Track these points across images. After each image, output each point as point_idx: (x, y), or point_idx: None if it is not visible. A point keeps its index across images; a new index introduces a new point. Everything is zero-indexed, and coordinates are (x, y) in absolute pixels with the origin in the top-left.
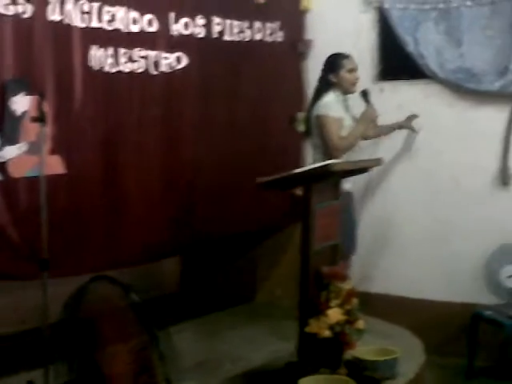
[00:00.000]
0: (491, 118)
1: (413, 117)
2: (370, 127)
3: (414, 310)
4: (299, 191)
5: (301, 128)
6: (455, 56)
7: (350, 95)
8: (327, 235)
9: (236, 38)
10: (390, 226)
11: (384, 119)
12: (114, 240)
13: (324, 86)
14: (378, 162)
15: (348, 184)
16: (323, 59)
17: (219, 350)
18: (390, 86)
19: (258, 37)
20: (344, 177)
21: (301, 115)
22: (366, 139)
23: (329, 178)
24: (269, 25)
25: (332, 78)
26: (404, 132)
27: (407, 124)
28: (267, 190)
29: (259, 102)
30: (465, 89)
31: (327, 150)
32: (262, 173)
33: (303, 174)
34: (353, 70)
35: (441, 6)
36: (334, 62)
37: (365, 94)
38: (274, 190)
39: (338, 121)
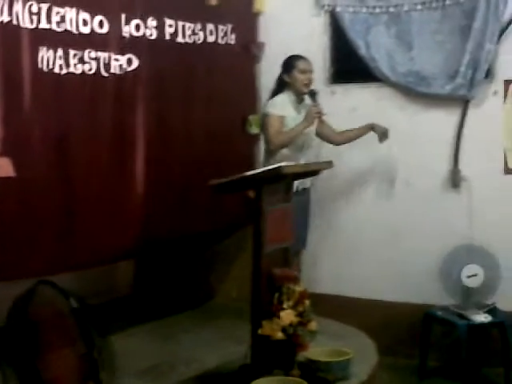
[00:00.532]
0: (442, 120)
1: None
2: (321, 126)
3: (366, 310)
4: (252, 193)
5: (253, 130)
6: (406, 59)
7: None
8: (279, 237)
9: (189, 40)
10: (341, 227)
11: (336, 122)
12: (64, 243)
13: (278, 86)
14: (328, 164)
15: (308, 182)
16: (276, 62)
17: (173, 353)
18: (341, 89)
19: (210, 39)
20: (295, 179)
21: (253, 118)
22: (338, 144)
23: (280, 180)
24: (221, 27)
25: (285, 78)
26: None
27: (379, 129)
28: (219, 192)
29: (212, 104)
30: (415, 92)
31: (268, 147)
32: (215, 175)
33: (254, 176)
34: (305, 71)
35: (391, 9)
36: (288, 63)
37: (312, 94)
38: (227, 193)
39: (280, 118)
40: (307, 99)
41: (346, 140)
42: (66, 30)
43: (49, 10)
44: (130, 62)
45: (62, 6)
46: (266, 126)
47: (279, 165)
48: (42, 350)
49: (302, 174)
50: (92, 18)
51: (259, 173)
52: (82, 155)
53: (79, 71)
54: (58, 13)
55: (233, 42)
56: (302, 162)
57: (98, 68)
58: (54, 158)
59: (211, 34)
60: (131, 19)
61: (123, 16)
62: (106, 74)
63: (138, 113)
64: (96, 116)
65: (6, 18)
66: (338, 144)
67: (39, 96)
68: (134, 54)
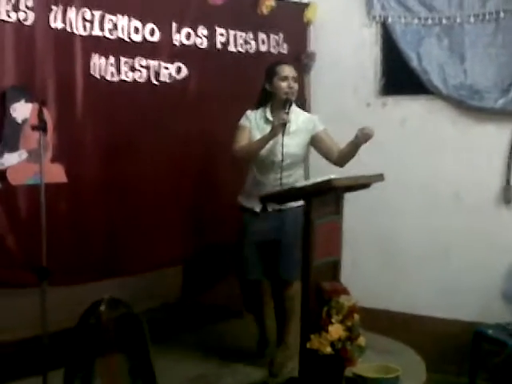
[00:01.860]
0: (494, 135)
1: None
2: (319, 140)
3: (415, 326)
4: None
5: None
6: (458, 72)
7: (297, 109)
8: (328, 251)
9: (241, 49)
10: (391, 242)
11: (386, 134)
12: (113, 249)
13: (261, 97)
14: (380, 177)
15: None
16: (326, 72)
17: (219, 363)
18: (392, 101)
19: (263, 48)
20: (345, 192)
21: None
22: (337, 164)
23: (330, 192)
24: (273, 36)
25: (268, 87)
26: (399, 147)
27: (360, 138)
28: (267, 203)
29: None
30: (467, 105)
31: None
32: None
33: (303, 188)
34: (286, 78)
35: (444, 21)
36: (269, 70)
37: (285, 103)
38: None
39: (243, 129)
40: (298, 112)
41: (342, 157)
42: (117, 37)
43: (102, 18)
44: (179, 70)
45: (114, 13)
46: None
47: (329, 177)
48: (102, 352)
49: (353, 187)
50: (143, 25)
51: (308, 185)
52: (132, 163)
53: (130, 79)
54: (110, 20)
55: (285, 52)
56: (272, 180)
57: (148, 75)
58: (104, 165)
59: (263, 43)
60: (182, 27)
61: (174, 24)
62: (155, 82)
63: (182, 122)
64: (146, 124)
65: (59, 25)
66: (337, 163)
67: (91, 103)
68: (184, 62)
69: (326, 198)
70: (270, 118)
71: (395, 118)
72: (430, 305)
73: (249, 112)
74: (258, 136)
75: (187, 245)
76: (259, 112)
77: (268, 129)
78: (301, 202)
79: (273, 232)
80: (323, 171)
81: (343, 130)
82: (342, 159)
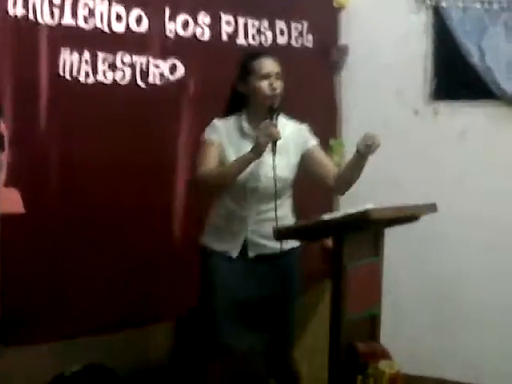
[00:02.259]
0: None
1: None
2: (312, 160)
3: None
4: (330, 243)
5: (335, 159)
6: None
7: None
8: (364, 301)
9: (253, 42)
10: (445, 291)
11: (439, 151)
12: (87, 299)
13: (232, 102)
14: (431, 207)
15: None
16: (361, 71)
17: None
18: (447, 108)
19: (282, 40)
20: (387, 226)
21: (335, 142)
22: (338, 191)
23: (366, 228)
24: (295, 25)
25: (241, 88)
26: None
27: (363, 150)
28: (286, 239)
29: None
30: None
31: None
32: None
33: (332, 221)
34: (267, 76)
35: None
36: (243, 65)
37: (271, 109)
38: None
39: (210, 145)
40: (285, 123)
41: (343, 181)
42: (94, 26)
43: (74, 2)
44: (173, 69)
45: None
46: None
47: (365, 207)
48: None
49: (397, 220)
50: (127, 12)
51: (339, 218)
52: (110, 185)
53: (110, 80)
54: (85, 5)
55: (310, 45)
56: (253, 217)
57: (134, 76)
58: (76, 191)
59: (282, 33)
60: (177, 14)
61: (167, 10)
62: (142, 85)
63: (182, 134)
64: (130, 139)
65: (19, 12)
66: (335, 189)
67: (60, 111)
68: (180, 59)
69: (362, 234)
70: (249, 131)
71: (451, 130)
72: (492, 372)
73: (216, 121)
74: (232, 154)
75: (183, 295)
76: (232, 122)
77: (246, 145)
78: (297, 243)
79: (262, 286)
80: (355, 199)
81: (384, 145)
82: (342, 183)
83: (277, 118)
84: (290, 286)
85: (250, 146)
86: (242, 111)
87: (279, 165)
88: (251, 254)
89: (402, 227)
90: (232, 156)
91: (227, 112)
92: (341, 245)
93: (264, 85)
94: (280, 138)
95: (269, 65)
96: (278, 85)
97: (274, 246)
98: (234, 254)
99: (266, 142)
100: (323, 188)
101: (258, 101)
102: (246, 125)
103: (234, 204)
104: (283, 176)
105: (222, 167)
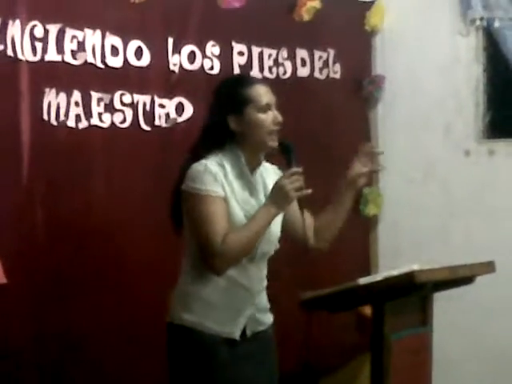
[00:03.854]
0: None
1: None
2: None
3: None
4: (368, 311)
5: (369, 210)
6: None
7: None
8: (411, 380)
9: (269, 75)
10: (508, 375)
11: (497, 199)
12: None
13: (217, 139)
14: (489, 266)
15: (266, 317)
16: (400, 103)
17: None
18: (504, 148)
19: (303, 72)
20: (436, 291)
21: (370, 191)
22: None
23: (412, 292)
24: (319, 54)
25: (233, 125)
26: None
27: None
28: (313, 309)
29: (307, 169)
30: None
31: (201, 255)
32: (311, 281)
33: (371, 286)
34: (268, 107)
35: None
36: (234, 95)
37: (286, 149)
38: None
39: (214, 201)
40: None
41: (324, 228)
42: (85, 62)
43: (60, 34)
44: (180, 108)
45: (79, 27)
46: (194, 219)
47: (410, 268)
48: None
49: (448, 283)
50: (125, 44)
51: (379, 282)
52: (104, 252)
53: (107, 123)
54: (73, 37)
55: (337, 76)
56: (256, 287)
57: (136, 118)
58: (65, 258)
59: (304, 64)
60: (182, 45)
61: (170, 40)
62: (146, 128)
63: None
64: (132, 194)
65: None
66: (313, 241)
67: (43, 164)
68: (187, 96)
69: (407, 300)
70: (251, 178)
71: (509, 174)
72: None
73: (211, 164)
74: (239, 212)
75: None
76: (227, 165)
77: (250, 197)
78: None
79: (260, 370)
80: (397, 258)
81: (429, 191)
82: (323, 231)
83: (294, 159)
84: (275, 365)
85: (253, 198)
86: (235, 151)
87: (275, 221)
88: (249, 332)
89: (453, 291)
90: (239, 214)
91: (211, 152)
92: (382, 313)
93: (267, 118)
94: (310, 192)
95: (268, 93)
96: (281, 119)
97: (268, 320)
98: (237, 335)
99: (296, 197)
100: (298, 242)
101: (255, 139)
102: (246, 170)
103: (238, 273)
104: (279, 234)
105: (246, 230)
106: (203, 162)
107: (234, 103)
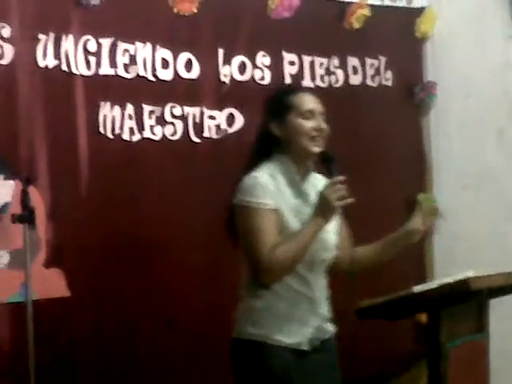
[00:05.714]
0: None
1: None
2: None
3: None
4: (424, 318)
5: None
6: None
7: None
8: None
9: (321, 84)
10: None
11: None
12: None
13: (261, 147)
14: None
15: (329, 326)
16: (452, 111)
17: None
18: None
19: (355, 80)
20: (492, 297)
21: (424, 197)
22: (352, 270)
23: (468, 299)
24: (370, 61)
25: (275, 130)
26: None
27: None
28: (369, 318)
29: (358, 178)
30: None
31: (251, 268)
32: (366, 289)
33: (425, 294)
34: (311, 115)
35: None
36: (277, 102)
37: (327, 159)
38: (383, 318)
39: (272, 213)
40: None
41: (364, 259)
42: (137, 75)
43: (113, 48)
44: (231, 119)
45: (131, 40)
46: (245, 231)
47: (465, 275)
48: None
49: (505, 289)
50: (175, 56)
51: (434, 289)
52: (169, 262)
53: (158, 136)
54: (125, 51)
55: (389, 84)
56: (318, 296)
57: (186, 130)
58: (128, 270)
59: (355, 72)
60: (232, 56)
61: (220, 51)
62: (196, 140)
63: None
64: (185, 203)
65: (51, 62)
66: (347, 266)
67: (102, 176)
68: (238, 107)
69: (463, 307)
70: (302, 186)
71: None
72: None
73: (261, 176)
74: (294, 221)
75: None
76: (279, 175)
77: (303, 205)
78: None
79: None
80: (452, 265)
81: (484, 197)
82: (358, 264)
83: (335, 170)
84: (339, 374)
85: (307, 205)
86: (273, 160)
87: (328, 229)
88: (316, 342)
89: (510, 297)
90: (294, 222)
91: (253, 161)
92: (437, 321)
93: (308, 124)
94: (353, 201)
95: (312, 101)
96: (325, 127)
97: (331, 328)
98: (305, 346)
99: (339, 206)
100: (336, 264)
101: (298, 145)
102: (297, 178)
103: (298, 282)
104: (334, 241)
105: (294, 242)
106: (254, 174)
107: (278, 109)
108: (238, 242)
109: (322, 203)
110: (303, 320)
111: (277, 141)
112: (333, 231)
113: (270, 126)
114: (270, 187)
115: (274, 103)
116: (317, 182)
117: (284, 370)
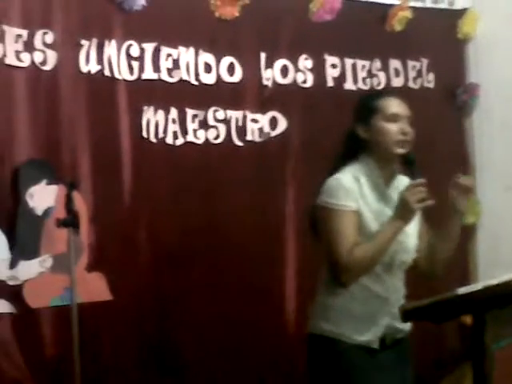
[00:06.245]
0: None
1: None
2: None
3: None
4: (469, 320)
5: (467, 219)
6: None
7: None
8: None
9: (364, 86)
10: None
11: None
12: None
13: (347, 149)
14: None
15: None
16: (496, 113)
17: None
18: None
19: (397, 82)
20: None
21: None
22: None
23: None
24: (412, 63)
25: (361, 132)
26: None
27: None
28: (412, 319)
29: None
30: None
31: (330, 267)
32: (412, 293)
33: (470, 295)
34: (396, 118)
35: None
36: (364, 105)
37: (409, 161)
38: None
39: (352, 215)
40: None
41: (434, 259)
42: (180, 79)
43: (155, 52)
44: (274, 122)
45: (173, 45)
46: (326, 231)
47: (510, 277)
48: None
49: None
50: (218, 60)
51: (479, 291)
52: (210, 266)
53: (201, 140)
54: (168, 56)
55: (431, 86)
56: (393, 296)
57: (229, 134)
58: (170, 274)
59: (397, 74)
60: (274, 59)
61: (263, 55)
62: (239, 143)
63: (288, 199)
64: (229, 207)
65: (94, 68)
66: (427, 268)
67: (144, 181)
68: (280, 110)
69: (508, 309)
70: (385, 190)
71: None
72: None
73: (344, 180)
74: (374, 223)
75: None
76: (362, 178)
77: (385, 208)
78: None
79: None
80: (497, 266)
81: None
82: (435, 264)
83: (418, 172)
84: (410, 374)
85: (389, 209)
86: (359, 162)
87: (408, 231)
88: (388, 341)
89: None
90: (375, 225)
91: (339, 162)
92: (482, 323)
93: (392, 127)
94: (433, 204)
95: (397, 105)
96: (410, 131)
97: (406, 327)
98: (376, 344)
99: (419, 209)
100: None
101: (382, 147)
102: (381, 181)
103: (374, 282)
104: (414, 244)
105: (372, 243)
106: (337, 176)
107: (363, 112)
108: (321, 241)
109: (402, 205)
110: (375, 319)
111: (363, 144)
112: (413, 234)
113: (357, 128)
114: (352, 189)
115: (361, 106)
116: (401, 185)
117: (353, 366)
